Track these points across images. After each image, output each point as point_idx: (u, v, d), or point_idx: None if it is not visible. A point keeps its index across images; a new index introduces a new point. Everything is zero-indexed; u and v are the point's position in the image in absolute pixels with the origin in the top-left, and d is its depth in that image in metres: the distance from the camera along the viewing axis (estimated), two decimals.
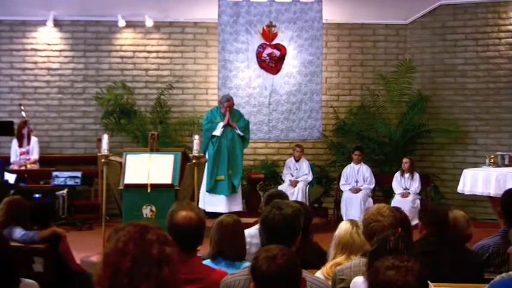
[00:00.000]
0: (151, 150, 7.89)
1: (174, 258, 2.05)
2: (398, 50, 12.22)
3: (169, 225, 3.50)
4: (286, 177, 10.95)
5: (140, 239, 2.02)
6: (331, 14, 11.50)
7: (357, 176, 10.75)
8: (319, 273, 3.95)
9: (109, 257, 2.02)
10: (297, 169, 10.96)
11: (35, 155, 10.91)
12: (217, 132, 10.05)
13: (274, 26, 11.26)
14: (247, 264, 3.91)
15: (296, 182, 10.78)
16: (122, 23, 11.74)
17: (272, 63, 11.30)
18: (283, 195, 5.18)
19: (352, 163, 10.82)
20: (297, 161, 11.00)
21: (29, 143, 10.87)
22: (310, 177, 10.91)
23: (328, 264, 4.04)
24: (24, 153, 10.83)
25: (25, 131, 10.82)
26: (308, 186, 10.87)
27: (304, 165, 10.97)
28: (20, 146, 10.82)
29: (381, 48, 12.24)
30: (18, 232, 5.52)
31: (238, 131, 10.23)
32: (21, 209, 5.65)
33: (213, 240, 4.20)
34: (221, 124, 10.09)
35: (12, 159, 10.81)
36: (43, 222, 5.65)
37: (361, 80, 12.19)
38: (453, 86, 11.75)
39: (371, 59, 12.23)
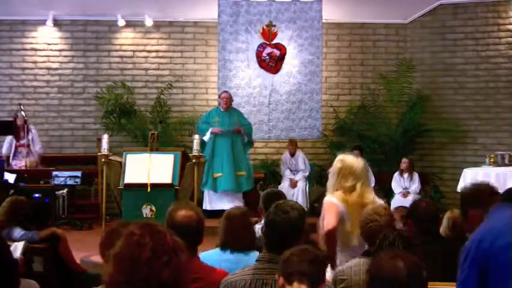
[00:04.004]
0: (151, 150, 7.89)
1: (184, 247, 2.12)
2: (398, 49, 12.21)
3: (169, 225, 3.50)
4: (285, 172, 10.89)
5: (154, 231, 2.09)
6: (331, 14, 11.49)
7: None
8: (333, 198, 4.21)
9: (124, 252, 2.04)
10: (293, 163, 10.91)
11: (37, 147, 10.86)
12: (206, 138, 9.97)
13: (274, 26, 11.26)
14: (254, 253, 4.02)
15: (296, 182, 10.76)
16: (121, 22, 11.74)
17: (272, 62, 11.30)
18: (280, 195, 5.18)
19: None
20: (292, 155, 10.96)
21: (27, 134, 10.81)
22: (307, 172, 10.84)
23: (338, 193, 4.30)
24: (23, 146, 10.75)
25: (19, 121, 10.70)
26: (308, 185, 10.85)
27: (300, 159, 10.89)
28: (18, 138, 10.74)
29: (381, 48, 12.23)
30: (18, 232, 5.52)
31: (245, 137, 10.20)
32: (23, 210, 5.65)
33: (221, 231, 4.29)
34: (210, 130, 10.02)
35: (4, 151, 10.69)
36: (41, 222, 5.66)
37: (361, 80, 12.19)
38: (453, 86, 11.74)
39: (371, 59, 12.23)
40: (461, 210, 3.47)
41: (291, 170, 10.91)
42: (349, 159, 4.46)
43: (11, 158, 10.74)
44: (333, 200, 4.30)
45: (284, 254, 2.87)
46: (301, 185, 10.72)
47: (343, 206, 4.29)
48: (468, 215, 3.34)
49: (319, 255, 2.85)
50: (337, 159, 4.51)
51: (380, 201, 4.51)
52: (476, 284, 2.77)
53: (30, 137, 10.81)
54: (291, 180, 10.79)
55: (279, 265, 2.85)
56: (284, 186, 10.54)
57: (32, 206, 5.91)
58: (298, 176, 10.81)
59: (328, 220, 4.21)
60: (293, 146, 10.96)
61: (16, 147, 10.72)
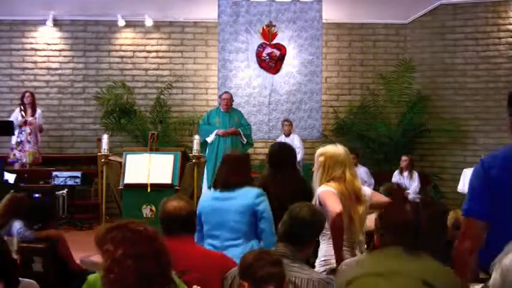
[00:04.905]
0: (151, 150, 7.89)
1: None
2: (398, 49, 12.21)
3: (160, 215, 3.68)
4: None
5: (151, 227, 2.26)
6: (331, 14, 11.49)
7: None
8: (329, 188, 4.16)
9: (136, 248, 2.14)
10: None
11: (40, 123, 10.97)
12: (210, 139, 9.94)
13: (274, 26, 11.26)
14: (239, 190, 4.43)
15: None
16: (121, 22, 11.74)
17: (272, 62, 11.30)
18: (288, 147, 5.41)
19: None
20: (287, 136, 10.77)
21: (33, 113, 10.85)
22: (301, 154, 10.63)
23: (332, 183, 4.23)
24: (25, 124, 10.76)
25: (26, 100, 10.83)
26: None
27: (296, 140, 10.61)
28: (23, 116, 10.80)
29: (381, 48, 12.23)
30: (17, 227, 5.50)
31: (243, 137, 10.13)
32: (22, 206, 5.65)
33: (216, 171, 4.71)
34: (215, 132, 9.98)
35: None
36: (43, 221, 5.64)
37: (361, 80, 12.19)
38: (453, 86, 11.74)
39: (371, 59, 12.23)
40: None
41: None
42: (330, 149, 4.41)
43: (15, 136, 10.71)
44: (329, 189, 4.21)
45: (244, 260, 2.98)
46: None
47: (340, 196, 4.21)
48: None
49: (278, 257, 3.05)
50: (318, 153, 4.42)
51: (367, 190, 4.49)
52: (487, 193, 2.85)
53: (36, 115, 10.86)
54: None
55: (241, 271, 2.97)
56: None
57: (32, 205, 5.90)
58: None
59: (332, 205, 4.06)
60: (289, 125, 10.77)
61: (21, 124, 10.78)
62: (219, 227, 4.43)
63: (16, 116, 10.81)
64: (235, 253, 4.19)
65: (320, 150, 4.46)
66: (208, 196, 4.64)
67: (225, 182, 4.53)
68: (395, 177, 10.57)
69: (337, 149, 4.40)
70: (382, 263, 2.82)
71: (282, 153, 5.29)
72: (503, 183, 2.80)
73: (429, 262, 2.84)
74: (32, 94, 11.01)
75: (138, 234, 2.17)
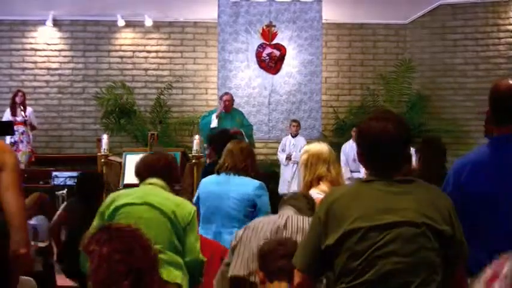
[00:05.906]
0: (151, 150, 7.88)
1: None
2: (398, 49, 12.22)
3: (139, 164, 3.90)
4: (280, 154, 10.63)
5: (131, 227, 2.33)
6: (330, 14, 11.50)
7: (355, 155, 10.15)
8: (317, 192, 4.13)
9: (127, 244, 2.22)
10: (294, 145, 10.55)
11: (34, 123, 10.91)
12: (214, 123, 9.82)
13: (274, 26, 11.26)
14: (238, 178, 4.44)
15: (290, 156, 10.40)
16: (121, 22, 11.75)
17: (272, 63, 11.30)
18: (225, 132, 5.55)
19: (351, 140, 10.30)
20: (294, 136, 10.67)
21: (24, 112, 10.77)
22: None
23: (322, 187, 4.21)
24: (20, 124, 10.69)
25: (18, 99, 10.73)
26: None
27: (302, 141, 10.44)
28: (14, 115, 10.70)
29: (381, 48, 12.24)
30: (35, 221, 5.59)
31: (245, 138, 10.06)
32: (45, 205, 5.76)
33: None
34: (214, 115, 9.79)
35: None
36: (90, 194, 5.72)
37: (360, 80, 12.19)
38: (453, 86, 11.75)
39: (371, 59, 12.23)
40: None
41: (284, 151, 10.60)
42: (314, 147, 4.44)
43: (9, 137, 10.68)
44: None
45: (261, 250, 2.94)
46: (295, 182, 10.45)
47: None
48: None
49: (293, 248, 2.90)
50: (302, 151, 4.49)
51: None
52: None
53: (27, 113, 10.83)
54: (287, 157, 10.48)
55: (258, 261, 2.93)
56: (283, 189, 10.32)
57: (81, 177, 6.04)
58: (294, 157, 10.48)
59: None
60: (297, 125, 10.68)
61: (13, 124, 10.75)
62: (215, 211, 4.44)
63: (7, 116, 10.75)
64: (227, 240, 4.22)
65: (305, 147, 4.54)
66: (208, 180, 4.64)
67: (226, 165, 4.52)
68: None
69: (320, 147, 4.43)
70: (375, 206, 2.41)
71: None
72: (476, 187, 2.82)
73: (423, 194, 2.47)
74: (24, 93, 10.94)
75: (124, 232, 2.22)
